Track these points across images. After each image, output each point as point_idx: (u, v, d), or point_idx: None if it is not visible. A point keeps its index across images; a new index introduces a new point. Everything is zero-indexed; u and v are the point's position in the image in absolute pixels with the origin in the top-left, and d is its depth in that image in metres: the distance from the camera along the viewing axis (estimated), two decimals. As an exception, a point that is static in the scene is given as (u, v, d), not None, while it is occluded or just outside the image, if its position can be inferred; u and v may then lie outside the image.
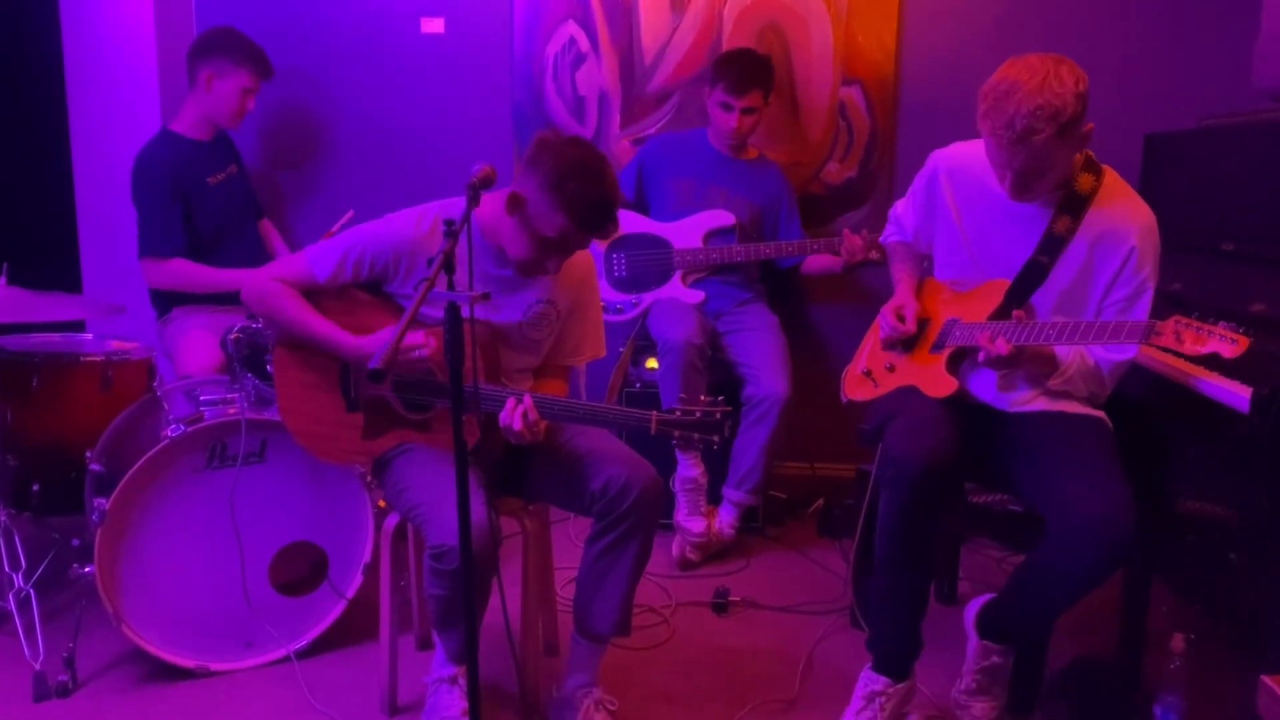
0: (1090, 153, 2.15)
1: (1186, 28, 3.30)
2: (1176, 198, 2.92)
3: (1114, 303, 2.13)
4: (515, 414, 2.07)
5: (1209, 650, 2.40)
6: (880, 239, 2.64)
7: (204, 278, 3.14)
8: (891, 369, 2.39)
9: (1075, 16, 3.38)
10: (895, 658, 2.26)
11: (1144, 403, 2.38)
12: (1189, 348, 1.83)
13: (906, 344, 2.37)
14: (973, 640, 2.27)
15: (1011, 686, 2.27)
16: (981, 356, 2.10)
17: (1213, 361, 2.19)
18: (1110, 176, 2.16)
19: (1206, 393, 2.10)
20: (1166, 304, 2.55)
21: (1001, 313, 2.17)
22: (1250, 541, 2.35)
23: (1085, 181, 2.12)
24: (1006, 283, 2.19)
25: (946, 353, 2.25)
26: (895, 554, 2.19)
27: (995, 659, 2.22)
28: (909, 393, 2.31)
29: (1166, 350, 1.93)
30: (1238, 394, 2.00)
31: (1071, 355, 2.13)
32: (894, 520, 2.15)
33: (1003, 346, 2.04)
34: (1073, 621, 2.68)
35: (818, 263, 3.38)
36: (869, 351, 2.51)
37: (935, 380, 2.26)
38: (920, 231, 2.44)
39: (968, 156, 2.28)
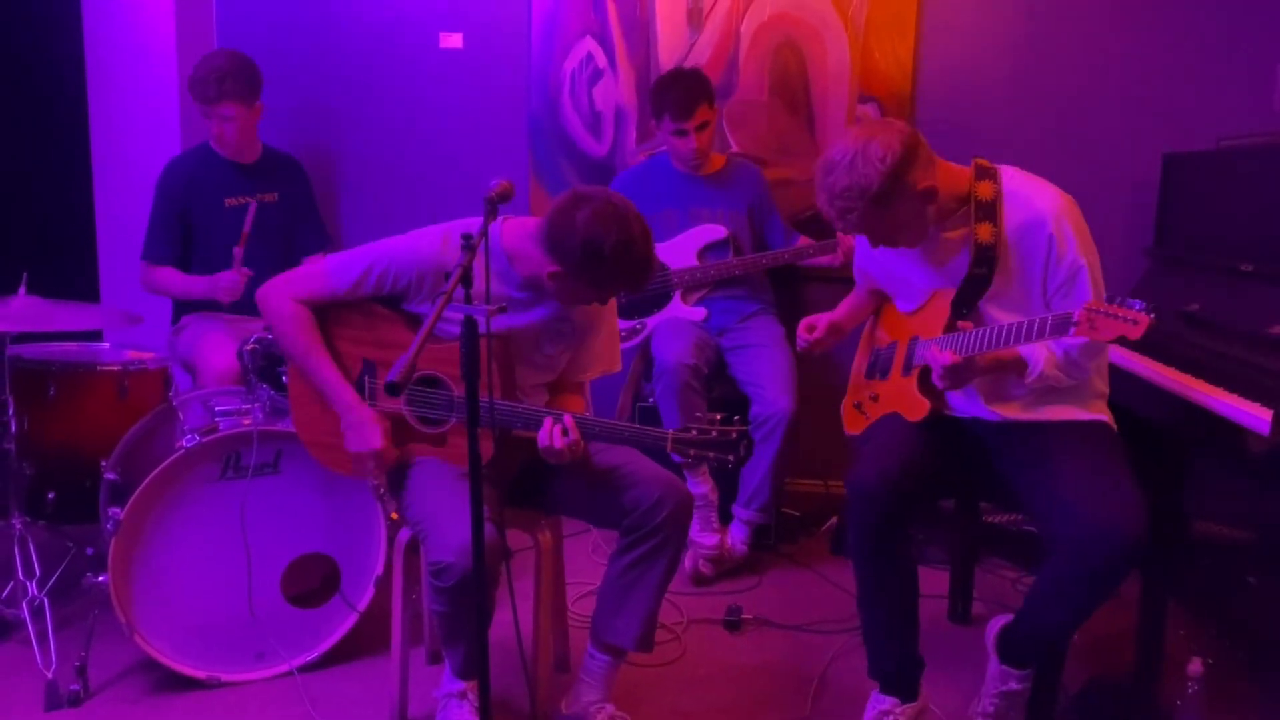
0: (980, 161, 2.18)
1: (1206, 48, 3.29)
2: (1195, 217, 2.91)
3: (1055, 292, 2.13)
4: (554, 433, 2.07)
5: (1227, 674, 2.37)
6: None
7: (184, 286, 3.19)
8: (875, 399, 2.42)
9: (1094, 35, 3.37)
10: (897, 678, 2.25)
11: (1159, 422, 2.36)
12: (1101, 334, 1.85)
13: (882, 371, 2.40)
14: (993, 662, 2.25)
15: (1026, 710, 2.25)
16: (935, 373, 2.12)
17: (1192, 366, 2.26)
18: (1009, 174, 2.18)
19: (1224, 414, 2.08)
20: (1185, 325, 2.54)
21: (952, 321, 2.19)
22: (1269, 563, 2.33)
23: (986, 189, 2.14)
24: (951, 291, 2.21)
25: (915, 373, 2.27)
26: (867, 575, 2.23)
27: (1014, 685, 2.20)
28: (889, 419, 2.34)
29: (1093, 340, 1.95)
30: (1258, 415, 1.98)
31: (1037, 351, 2.12)
32: (859, 541, 2.20)
33: (948, 356, 2.07)
34: (1088, 645, 2.66)
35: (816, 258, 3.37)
36: (855, 383, 2.55)
37: (910, 404, 2.28)
38: (873, 277, 2.49)
39: None
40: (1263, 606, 2.41)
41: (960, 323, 2.13)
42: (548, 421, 2.08)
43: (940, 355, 2.08)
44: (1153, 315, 1.82)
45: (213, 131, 3.19)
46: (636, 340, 3.36)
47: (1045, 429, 2.19)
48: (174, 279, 3.21)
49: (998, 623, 2.26)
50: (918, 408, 2.25)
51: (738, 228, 3.35)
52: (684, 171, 3.37)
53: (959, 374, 2.10)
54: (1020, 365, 2.13)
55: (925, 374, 2.23)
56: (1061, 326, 1.92)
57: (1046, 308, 2.14)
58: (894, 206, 2.06)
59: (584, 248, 2.01)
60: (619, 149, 3.71)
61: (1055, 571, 2.07)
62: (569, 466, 2.21)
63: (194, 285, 3.17)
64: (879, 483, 2.14)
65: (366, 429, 2.18)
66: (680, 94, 3.20)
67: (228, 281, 3.04)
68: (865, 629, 2.29)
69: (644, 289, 2.21)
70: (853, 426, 2.51)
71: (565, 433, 2.07)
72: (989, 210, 2.13)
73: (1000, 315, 2.17)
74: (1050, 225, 2.09)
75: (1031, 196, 2.14)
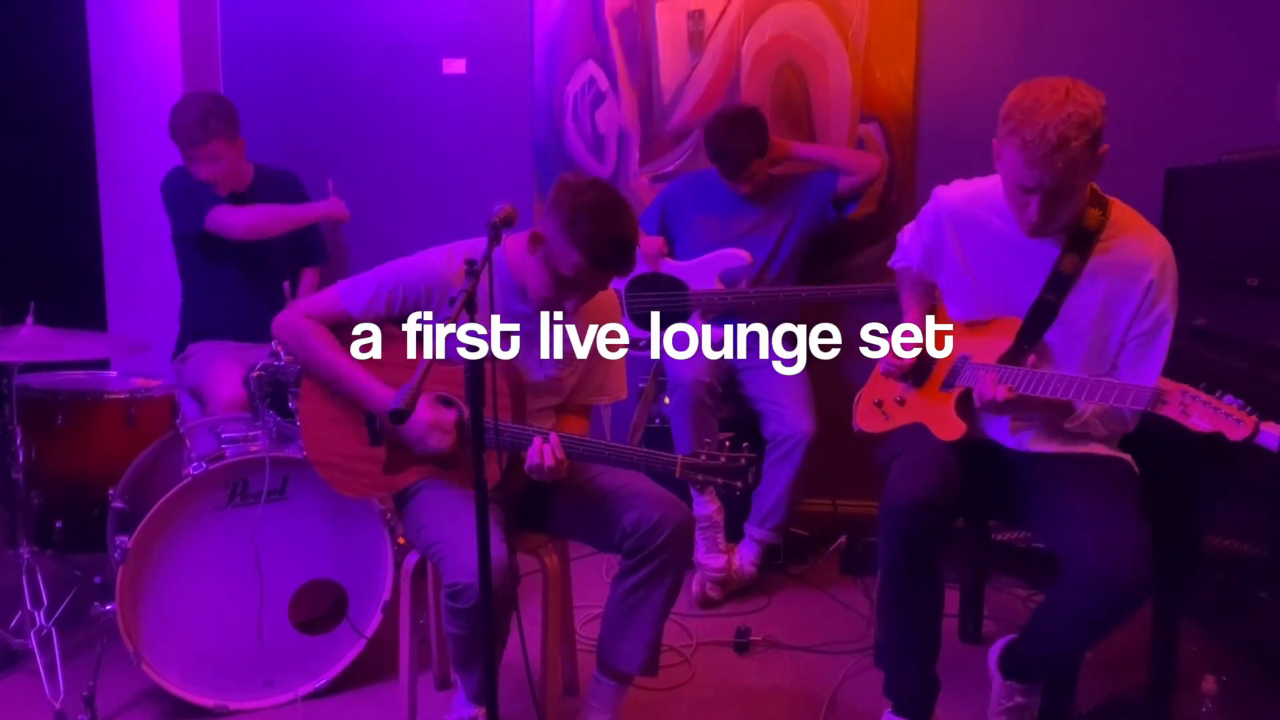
0: (1095, 186, 2.12)
1: (1207, 63, 3.30)
2: (1199, 232, 2.91)
3: (1134, 338, 2.09)
4: (545, 451, 2.08)
5: (1241, 692, 2.35)
6: (889, 263, 2.56)
7: (291, 211, 3.23)
8: (902, 403, 2.36)
9: (1095, 51, 3.38)
10: (913, 700, 2.23)
11: (1170, 438, 2.34)
12: (1194, 422, 1.80)
13: (917, 378, 2.34)
14: (996, 681, 2.24)
15: (1039, 729, 2.23)
16: (978, 401, 2.07)
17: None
18: (1119, 210, 2.12)
19: (1233, 429, 2.07)
20: (1192, 340, 2.53)
21: (1013, 353, 2.14)
22: (1282, 579, 2.31)
23: (1091, 217, 2.09)
24: (1018, 321, 2.16)
25: (956, 393, 2.22)
26: (896, 593, 2.18)
27: (1019, 699, 2.19)
28: (917, 431, 2.29)
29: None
30: (1268, 432, 1.97)
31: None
32: (892, 559, 2.15)
33: (1002, 392, 2.01)
34: (1101, 662, 2.64)
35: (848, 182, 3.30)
36: (880, 380, 2.47)
37: (944, 422, 2.23)
38: (925, 267, 2.41)
39: (970, 196, 2.25)
40: (1276, 623, 2.39)
41: (1029, 358, 2.08)
42: (536, 440, 2.09)
43: (994, 389, 2.02)
44: (1257, 416, 1.77)
45: (200, 175, 3.13)
46: (647, 352, 3.36)
47: (1062, 460, 2.16)
48: (265, 209, 3.18)
49: (1000, 643, 2.25)
50: (952, 428, 2.20)
51: (777, 241, 3.33)
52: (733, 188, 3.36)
53: (1006, 408, 2.06)
54: (1067, 409, 2.09)
55: (967, 396, 2.18)
56: (1148, 401, 1.86)
57: (1117, 352, 2.10)
58: (1094, 158, 1.95)
59: (575, 195, 2.08)
60: (622, 171, 3.72)
61: (1059, 599, 2.06)
62: (570, 490, 2.22)
63: (305, 210, 3.26)
64: (915, 499, 2.08)
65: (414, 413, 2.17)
66: (737, 157, 3.18)
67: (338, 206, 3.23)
68: (886, 648, 2.26)
69: (615, 265, 2.13)
70: (866, 423, 2.44)
71: (553, 452, 2.08)
72: (1084, 241, 2.08)
73: (1065, 349, 2.13)
74: (1154, 271, 2.04)
75: (1141, 238, 2.08)
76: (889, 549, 2.14)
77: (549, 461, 2.07)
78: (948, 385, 2.26)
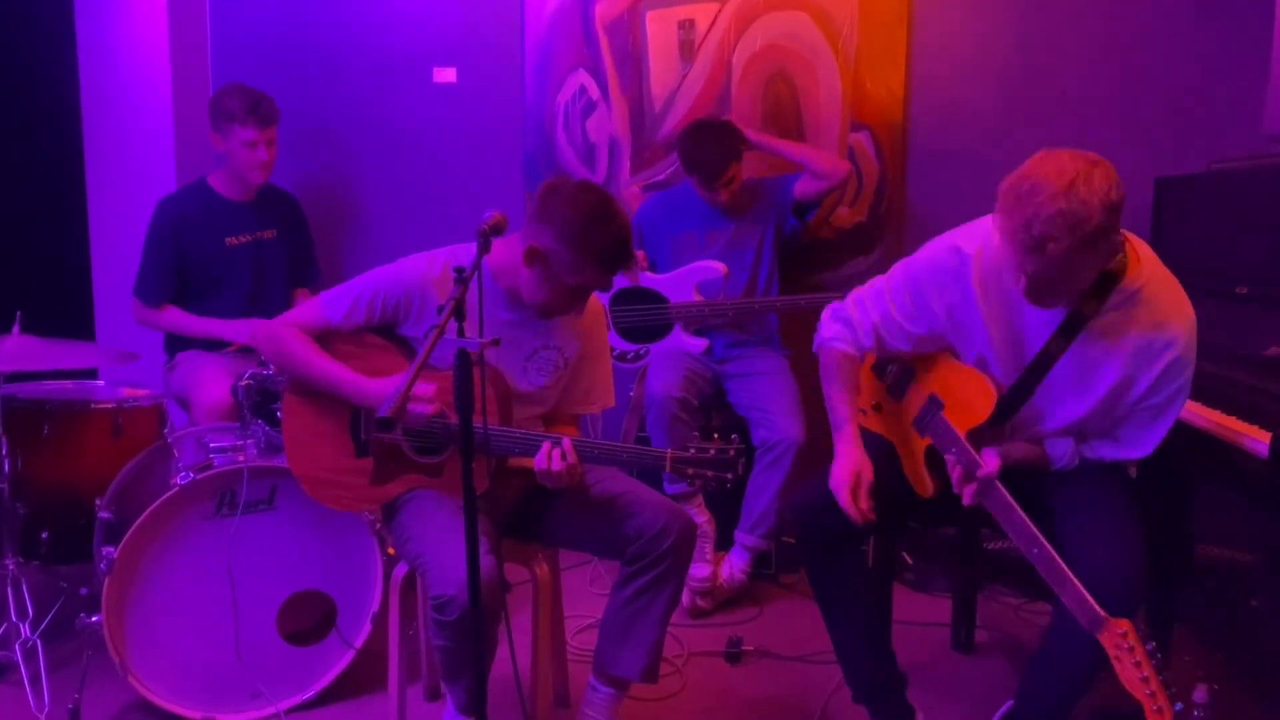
0: (1132, 246, 1.94)
1: (1196, 72, 3.31)
2: (1189, 241, 2.92)
3: (1143, 410, 1.97)
4: (553, 456, 2.07)
5: (1233, 700, 2.35)
6: (817, 341, 2.27)
7: (191, 325, 3.18)
8: (878, 409, 2.31)
9: (1084, 61, 3.40)
10: (869, 689, 2.24)
11: (1161, 447, 2.35)
12: (1120, 671, 1.76)
13: (897, 391, 2.24)
14: None
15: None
16: (954, 480, 2.00)
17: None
18: (1147, 260, 1.92)
19: (1223, 437, 2.08)
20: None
21: (989, 424, 2.04)
22: (1272, 586, 2.31)
23: (1088, 306, 1.91)
24: (995, 395, 2.02)
25: (926, 444, 2.11)
26: (819, 594, 2.28)
27: None
28: (875, 443, 2.22)
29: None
30: (1256, 439, 1.98)
31: (1061, 447, 2.05)
32: (802, 554, 2.25)
33: (994, 463, 1.95)
34: (1093, 671, 2.63)
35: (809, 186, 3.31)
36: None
37: (916, 475, 2.16)
38: (925, 338, 2.14)
39: (995, 259, 2.00)
40: (1267, 630, 2.40)
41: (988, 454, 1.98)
42: (545, 445, 2.08)
43: (986, 463, 1.95)
44: (1177, 708, 1.71)
45: (263, 156, 3.18)
46: (639, 364, 3.37)
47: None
48: (185, 318, 3.19)
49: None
50: (923, 485, 2.14)
51: (755, 256, 3.34)
52: (705, 200, 3.36)
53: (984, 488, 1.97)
54: (1043, 460, 2.07)
55: (934, 451, 2.09)
56: (1089, 624, 1.79)
57: (1115, 407, 1.98)
58: (1092, 254, 1.76)
59: (572, 204, 2.06)
60: (613, 180, 3.72)
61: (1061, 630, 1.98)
62: (569, 498, 2.21)
63: (211, 326, 3.17)
64: (823, 505, 2.11)
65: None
66: (713, 163, 3.18)
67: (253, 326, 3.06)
68: (835, 650, 2.30)
69: (624, 266, 2.16)
70: None
71: (564, 456, 2.07)
72: (1075, 325, 1.93)
73: (1061, 406, 2.03)
74: (1180, 348, 1.90)
75: (1172, 307, 1.91)
76: (800, 551, 2.25)
77: (558, 466, 2.06)
78: (920, 426, 2.14)
